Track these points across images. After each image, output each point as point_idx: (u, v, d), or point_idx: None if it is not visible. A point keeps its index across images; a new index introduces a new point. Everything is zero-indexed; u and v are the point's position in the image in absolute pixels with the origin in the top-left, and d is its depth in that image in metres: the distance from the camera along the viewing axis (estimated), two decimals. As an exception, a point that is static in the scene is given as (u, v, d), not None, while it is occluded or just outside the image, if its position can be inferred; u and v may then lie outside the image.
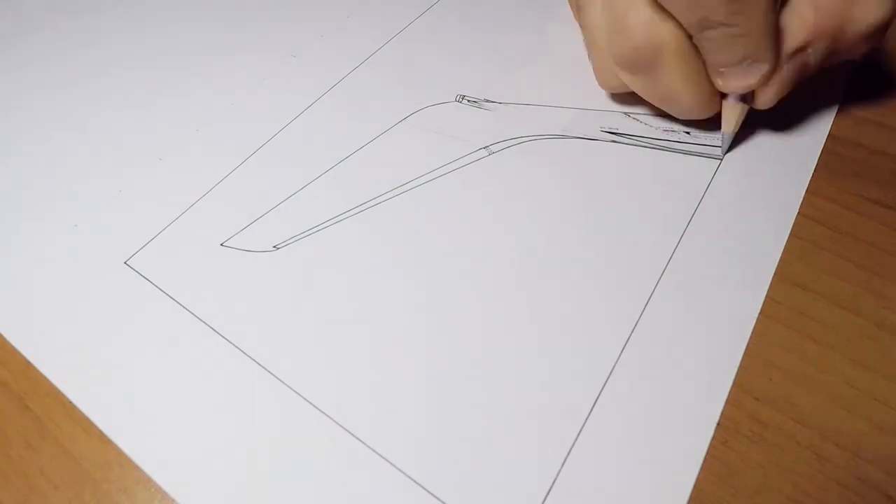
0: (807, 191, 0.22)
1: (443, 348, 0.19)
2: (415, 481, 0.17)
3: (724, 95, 0.22)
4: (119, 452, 0.18)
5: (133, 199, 0.24)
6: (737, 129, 0.23)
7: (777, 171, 0.23)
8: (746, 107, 0.22)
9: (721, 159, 0.23)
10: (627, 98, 0.25)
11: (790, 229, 0.21)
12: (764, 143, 0.24)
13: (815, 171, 0.23)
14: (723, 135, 0.23)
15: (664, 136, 0.24)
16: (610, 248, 0.21)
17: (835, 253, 0.21)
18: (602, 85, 0.25)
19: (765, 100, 0.21)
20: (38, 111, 0.27)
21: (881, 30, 0.20)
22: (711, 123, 0.24)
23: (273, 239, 0.22)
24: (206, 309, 0.20)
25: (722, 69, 0.20)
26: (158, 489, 0.17)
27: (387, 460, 0.17)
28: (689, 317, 0.19)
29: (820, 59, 0.21)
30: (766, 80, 0.20)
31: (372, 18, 0.30)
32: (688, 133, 0.24)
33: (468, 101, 0.26)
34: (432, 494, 0.16)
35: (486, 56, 0.28)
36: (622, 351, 0.19)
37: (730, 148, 0.23)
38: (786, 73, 0.20)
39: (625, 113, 0.25)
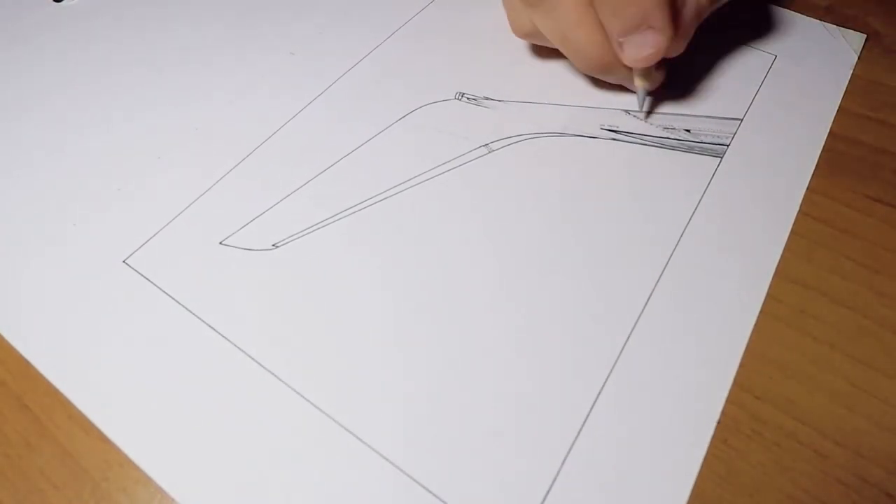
0: (807, 189, 0.22)
1: (442, 346, 0.19)
2: (416, 481, 0.17)
3: None
4: (118, 452, 0.18)
5: (132, 198, 0.23)
6: (653, 85, 0.23)
7: (777, 169, 0.23)
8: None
9: (721, 157, 0.23)
10: (551, 53, 0.26)
11: (791, 227, 0.21)
12: (765, 140, 0.23)
13: (815, 168, 0.23)
14: (638, 89, 0.23)
15: (664, 133, 0.24)
16: (610, 246, 0.21)
17: (835, 251, 0.21)
18: (513, 29, 0.25)
19: (671, 50, 0.22)
20: (37, 110, 0.27)
21: None
22: (710, 121, 0.23)
23: (272, 237, 0.22)
24: (205, 308, 0.20)
25: (620, 39, 0.20)
26: (158, 489, 0.17)
27: (387, 459, 0.17)
28: (689, 315, 0.19)
29: (710, 2, 0.22)
30: (662, 49, 0.20)
31: (371, 15, 0.30)
32: (688, 131, 0.24)
33: (468, 98, 0.26)
34: (433, 494, 0.16)
35: (486, 53, 0.28)
36: (622, 349, 0.19)
37: (642, 105, 0.24)
38: (682, 27, 0.21)
39: (625, 111, 0.25)
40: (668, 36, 0.20)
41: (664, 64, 0.23)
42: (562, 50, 0.23)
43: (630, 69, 0.22)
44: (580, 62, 0.23)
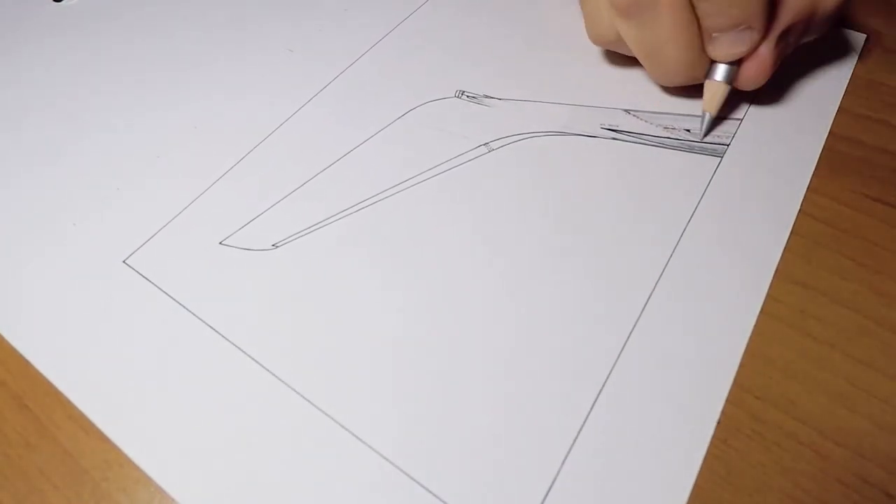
0: (808, 188, 0.22)
1: (442, 346, 0.19)
2: (415, 480, 0.17)
3: (707, 74, 0.23)
4: (118, 452, 0.18)
5: (132, 198, 0.23)
6: (717, 112, 0.23)
7: (778, 169, 0.23)
8: (727, 87, 0.22)
9: (721, 157, 0.23)
10: (619, 60, 0.26)
11: (791, 227, 0.21)
12: (765, 140, 0.23)
13: (815, 168, 0.23)
14: (703, 114, 0.23)
15: (664, 133, 0.24)
16: (610, 246, 0.21)
17: (835, 251, 0.21)
18: (592, 37, 0.25)
19: (750, 79, 0.22)
20: (37, 110, 0.27)
21: (840, 11, 0.22)
22: (713, 120, 0.23)
23: (272, 237, 0.22)
24: (205, 308, 0.20)
25: (715, 34, 0.21)
26: (158, 489, 0.17)
27: (387, 459, 0.17)
28: (689, 315, 0.19)
29: (796, 39, 0.22)
30: (754, 48, 0.21)
31: (370, 12, 0.30)
32: (688, 131, 0.24)
33: (468, 96, 0.26)
34: (433, 494, 0.16)
35: (486, 51, 0.28)
36: (622, 350, 0.19)
37: (707, 132, 0.24)
38: (772, 53, 0.21)
39: (625, 110, 0.25)
40: (761, 36, 0.21)
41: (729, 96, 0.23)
42: (644, 62, 0.23)
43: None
44: (664, 76, 0.23)
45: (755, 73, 0.22)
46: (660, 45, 0.22)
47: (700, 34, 0.21)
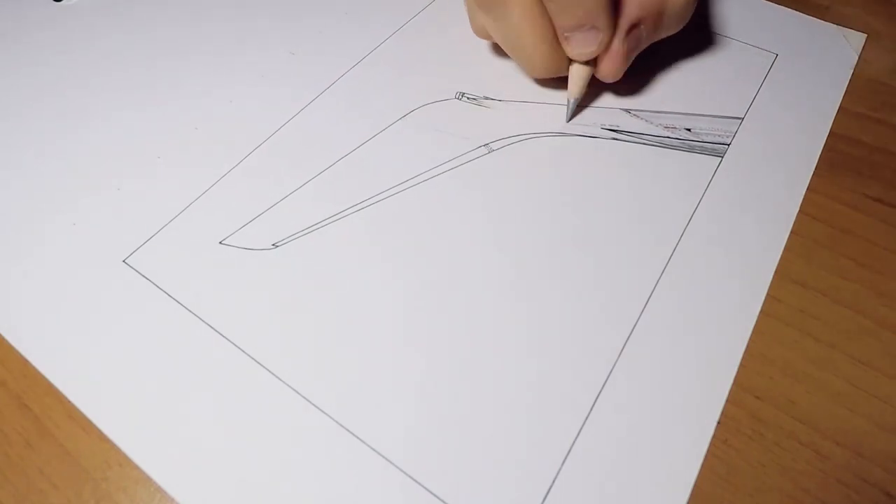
0: (807, 188, 0.22)
1: (442, 347, 0.19)
2: (415, 480, 0.17)
3: (571, 61, 0.23)
4: (118, 451, 0.18)
5: (132, 198, 0.23)
6: (581, 96, 0.24)
7: (778, 169, 0.23)
8: (590, 70, 0.23)
9: (722, 157, 0.23)
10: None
11: (791, 227, 0.21)
12: (765, 140, 0.23)
13: (815, 168, 0.23)
14: (568, 100, 0.24)
15: (665, 133, 0.24)
16: (610, 246, 0.21)
17: (835, 251, 0.21)
18: (473, 29, 0.26)
19: (606, 72, 0.23)
20: (37, 109, 0.27)
21: (689, 9, 0.23)
22: (711, 120, 0.23)
23: (272, 237, 0.22)
24: (205, 307, 0.20)
25: (567, 34, 0.22)
26: (158, 488, 0.17)
27: (387, 459, 0.17)
28: (689, 315, 0.19)
29: (649, 35, 0.23)
30: (604, 47, 0.22)
31: (371, 14, 0.30)
32: (689, 130, 0.24)
33: (468, 98, 0.26)
34: (433, 494, 0.16)
35: (487, 53, 0.28)
36: (622, 350, 0.19)
37: (571, 117, 0.25)
38: (622, 47, 0.22)
39: (625, 110, 0.25)
40: (608, 36, 0.22)
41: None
42: (511, 55, 0.24)
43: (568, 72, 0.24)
44: (529, 68, 0.24)
45: (609, 68, 0.23)
46: (516, 38, 0.23)
47: (553, 28, 0.22)
